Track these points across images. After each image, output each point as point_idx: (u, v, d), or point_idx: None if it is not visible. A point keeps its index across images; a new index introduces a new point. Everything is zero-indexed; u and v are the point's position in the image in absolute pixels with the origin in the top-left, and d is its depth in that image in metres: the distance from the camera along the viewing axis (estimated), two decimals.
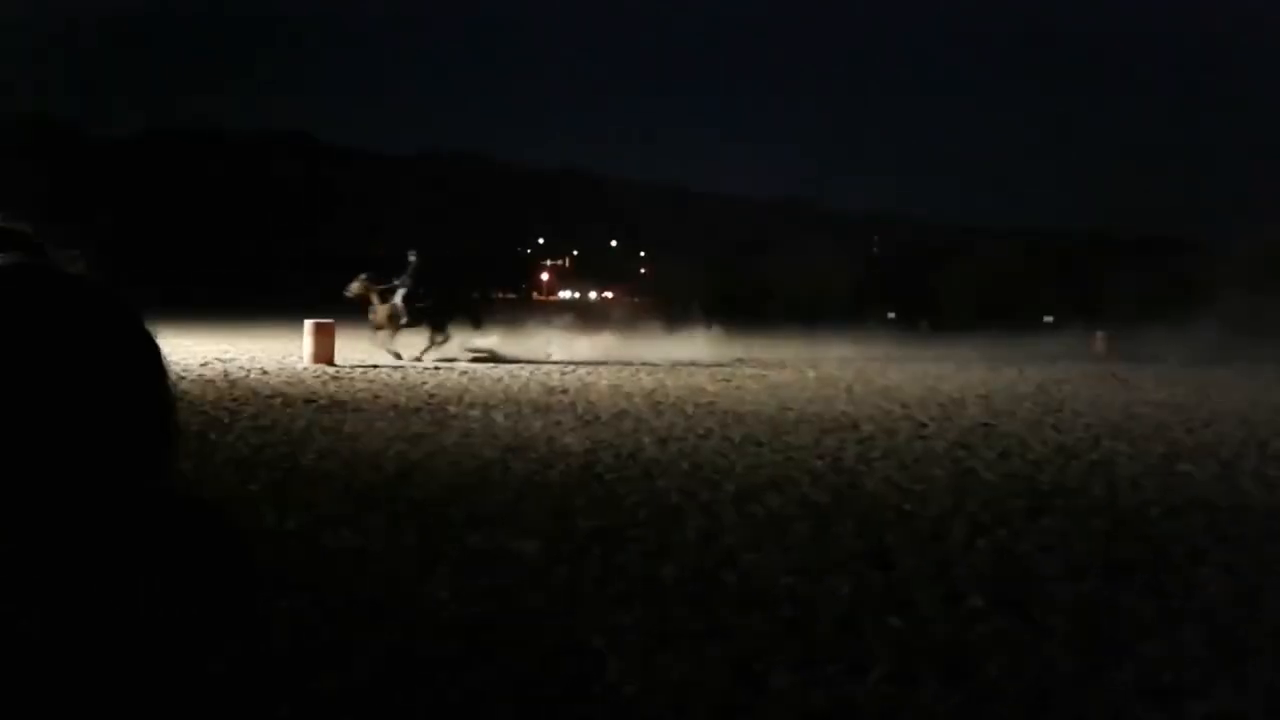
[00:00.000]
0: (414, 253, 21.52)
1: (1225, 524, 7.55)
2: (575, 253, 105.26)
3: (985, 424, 13.31)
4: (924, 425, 13.03)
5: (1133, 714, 4.06)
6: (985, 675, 4.41)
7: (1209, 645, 4.81)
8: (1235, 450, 11.42)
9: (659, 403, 14.83)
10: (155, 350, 0.78)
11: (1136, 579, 5.98)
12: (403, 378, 17.25)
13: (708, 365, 22.44)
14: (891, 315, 58.89)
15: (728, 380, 19.05)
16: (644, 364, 22.06)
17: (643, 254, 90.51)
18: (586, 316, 31.13)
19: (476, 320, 22.17)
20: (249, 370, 17.82)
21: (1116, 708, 4.12)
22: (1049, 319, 70.04)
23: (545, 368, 20.14)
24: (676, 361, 22.75)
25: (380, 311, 20.80)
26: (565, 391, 16.18)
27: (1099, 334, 33.36)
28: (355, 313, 21.91)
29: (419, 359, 20.35)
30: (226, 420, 11.62)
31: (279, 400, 13.51)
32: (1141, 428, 13.30)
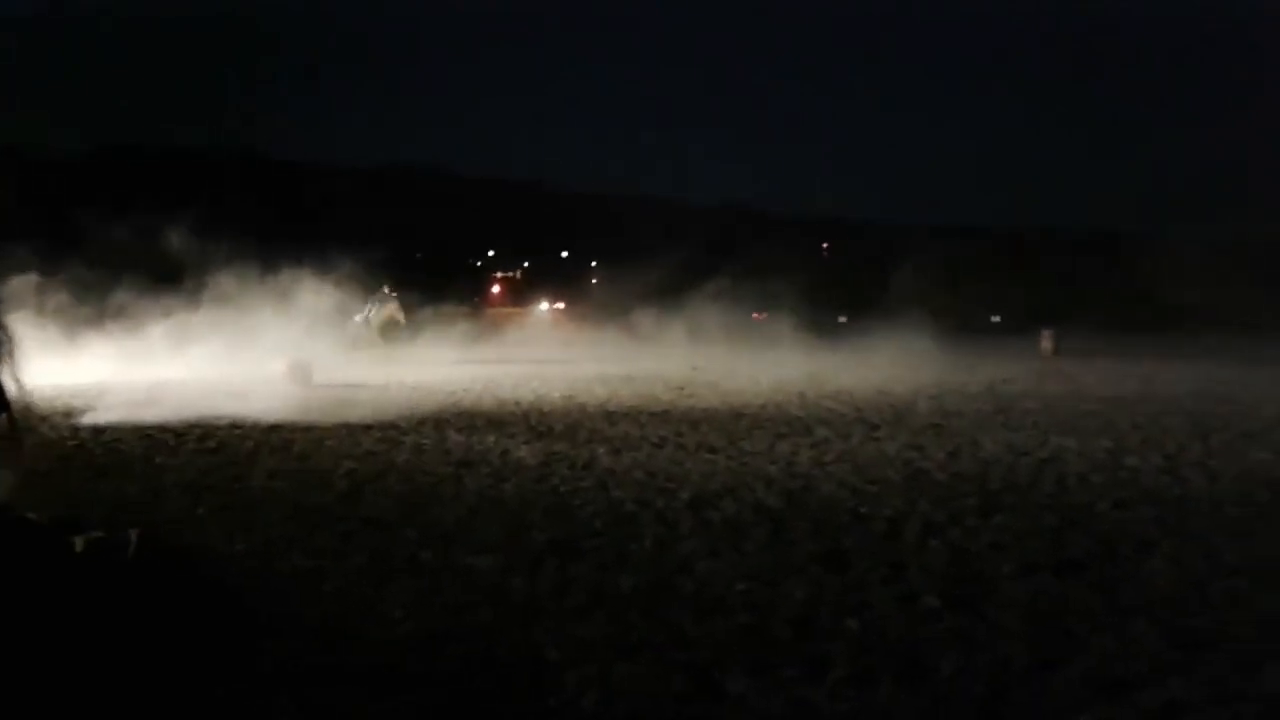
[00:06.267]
0: None
1: (1172, 516, 7.67)
2: (526, 264, 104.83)
3: (935, 424, 13.45)
4: (876, 427, 13.13)
5: (1086, 707, 4.10)
6: (941, 673, 4.44)
7: (1159, 637, 4.88)
8: (1179, 443, 11.63)
9: (612, 413, 14.81)
10: None
11: (1087, 574, 6.05)
12: (350, 395, 17.07)
13: (662, 373, 22.47)
14: (843, 319, 59.33)
15: (681, 388, 19.09)
16: (597, 374, 22.03)
17: (594, 264, 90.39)
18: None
19: None
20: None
21: (1070, 701, 4.16)
22: (996, 319, 71.15)
23: (499, 380, 20.02)
24: (630, 371, 22.73)
25: None
26: (518, 403, 16.12)
27: (1045, 332, 33.91)
28: None
29: None
30: (172, 443, 11.42)
31: (226, 421, 13.30)
32: (1089, 424, 13.51)
